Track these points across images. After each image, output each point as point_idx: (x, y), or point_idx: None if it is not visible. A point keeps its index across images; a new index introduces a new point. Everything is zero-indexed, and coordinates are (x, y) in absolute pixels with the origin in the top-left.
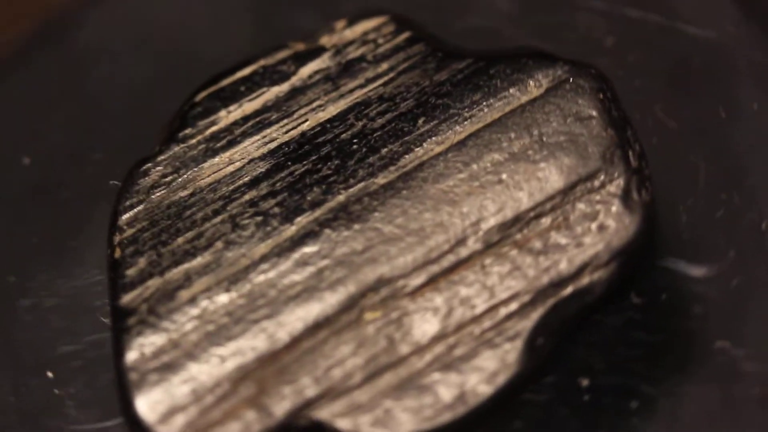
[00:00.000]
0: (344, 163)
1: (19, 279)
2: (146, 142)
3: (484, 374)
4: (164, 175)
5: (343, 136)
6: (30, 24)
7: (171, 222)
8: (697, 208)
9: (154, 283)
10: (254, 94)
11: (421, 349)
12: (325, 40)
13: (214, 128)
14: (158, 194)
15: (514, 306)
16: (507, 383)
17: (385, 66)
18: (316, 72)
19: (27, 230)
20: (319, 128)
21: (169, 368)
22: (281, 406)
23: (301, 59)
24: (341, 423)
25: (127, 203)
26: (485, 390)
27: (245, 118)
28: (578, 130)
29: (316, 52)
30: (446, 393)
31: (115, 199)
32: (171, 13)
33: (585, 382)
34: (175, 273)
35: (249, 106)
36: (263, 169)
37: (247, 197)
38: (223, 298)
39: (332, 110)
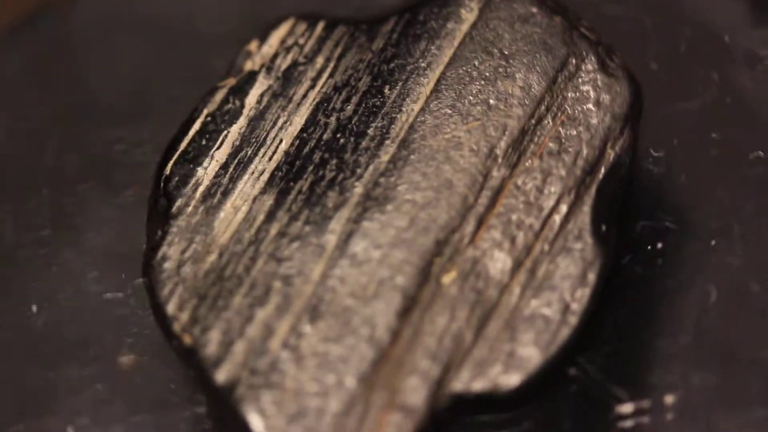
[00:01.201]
0: (342, 159)
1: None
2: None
3: (574, 279)
4: (183, 251)
5: (325, 136)
6: (23, 7)
7: (218, 287)
8: None
9: (239, 347)
10: (218, 142)
11: (507, 285)
12: (250, 65)
13: (201, 188)
14: (188, 270)
15: (564, 208)
16: (598, 278)
17: (320, 60)
18: (262, 95)
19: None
20: (297, 141)
21: (301, 415)
22: (418, 397)
23: (241, 91)
24: (477, 385)
25: (165, 292)
26: (583, 293)
27: (224, 166)
28: (529, 30)
29: (249, 79)
30: (551, 312)
31: (149, 296)
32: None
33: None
34: (254, 329)
35: (220, 153)
36: (271, 201)
37: (273, 232)
38: (309, 329)
39: (299, 120)
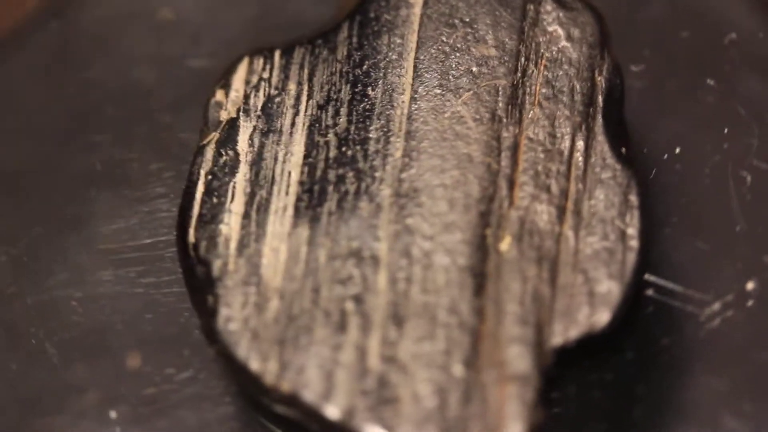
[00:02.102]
0: (358, 169)
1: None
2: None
3: (619, 206)
4: (242, 308)
5: (331, 154)
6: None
7: (293, 328)
8: None
9: (341, 376)
10: (229, 195)
11: (560, 233)
12: (225, 114)
13: (233, 244)
14: (255, 323)
15: (580, 144)
16: (639, 196)
17: (293, 86)
18: (251, 137)
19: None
20: (306, 168)
21: (427, 419)
22: (525, 363)
23: (229, 140)
24: (572, 333)
25: (242, 352)
26: (632, 215)
27: (246, 215)
28: None
29: (231, 126)
30: (611, 243)
31: (226, 363)
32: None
33: None
34: (346, 354)
35: (236, 205)
36: (306, 231)
37: (323, 258)
38: (399, 336)
39: (299, 148)
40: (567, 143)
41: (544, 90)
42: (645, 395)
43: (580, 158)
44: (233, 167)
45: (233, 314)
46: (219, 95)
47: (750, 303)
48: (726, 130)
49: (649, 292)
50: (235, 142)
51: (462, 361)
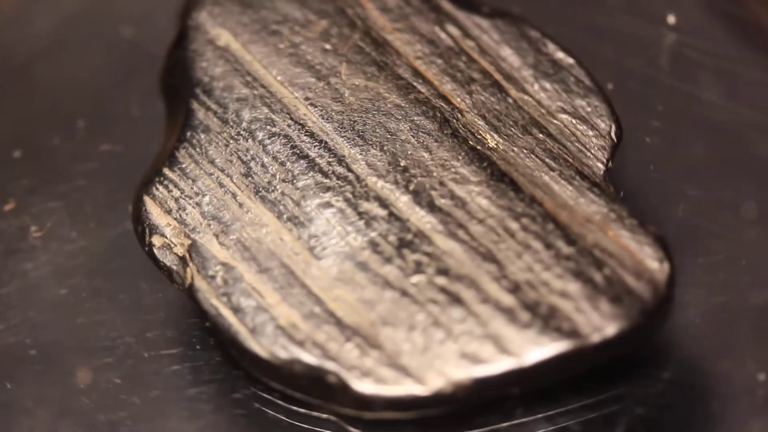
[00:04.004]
0: (333, 188)
1: None
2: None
3: (524, 52)
4: None
5: (294, 196)
6: None
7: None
8: None
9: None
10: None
11: (513, 99)
12: (180, 249)
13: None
14: None
15: (450, 28)
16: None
17: (207, 181)
18: (220, 245)
19: None
20: (292, 225)
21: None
22: (602, 206)
23: (207, 265)
24: (599, 153)
25: None
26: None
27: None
28: None
29: (198, 253)
30: (548, 66)
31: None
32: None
33: None
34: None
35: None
36: (365, 254)
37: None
38: (510, 267)
39: (268, 217)
40: (443, 35)
41: (384, 17)
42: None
43: (461, 38)
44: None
45: None
46: (157, 241)
47: None
48: None
49: None
50: (215, 259)
51: (565, 241)
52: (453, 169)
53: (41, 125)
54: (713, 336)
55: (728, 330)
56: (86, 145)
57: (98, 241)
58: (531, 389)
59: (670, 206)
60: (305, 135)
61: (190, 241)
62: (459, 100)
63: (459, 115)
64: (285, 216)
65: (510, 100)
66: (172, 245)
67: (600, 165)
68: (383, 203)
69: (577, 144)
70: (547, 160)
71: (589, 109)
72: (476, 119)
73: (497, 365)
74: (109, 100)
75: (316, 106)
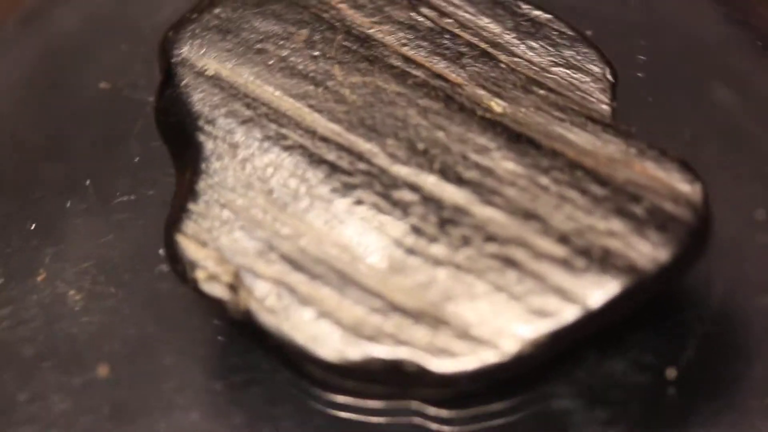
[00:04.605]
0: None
1: None
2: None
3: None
4: None
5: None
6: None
7: None
8: None
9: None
10: None
11: (507, 64)
12: (227, 277)
13: None
14: None
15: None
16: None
17: (227, 212)
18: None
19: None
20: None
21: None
22: (619, 145)
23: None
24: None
25: None
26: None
27: None
28: None
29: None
30: (556, 39)
31: None
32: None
33: None
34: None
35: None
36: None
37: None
38: (553, 221)
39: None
40: (420, 18)
41: (359, 14)
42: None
43: (438, 17)
44: None
45: None
46: (201, 274)
47: None
48: None
49: None
50: (264, 278)
51: (597, 184)
52: (470, 141)
53: (49, 192)
54: None
55: None
56: (99, 203)
57: (138, 291)
58: (598, 332)
59: (677, 132)
60: (319, 141)
61: (233, 267)
62: (455, 75)
63: (460, 90)
64: (320, 222)
65: (503, 66)
66: (217, 275)
67: (605, 107)
68: (413, 188)
69: (577, 92)
70: (555, 112)
71: (579, 57)
72: (476, 90)
73: (566, 315)
74: (108, 152)
75: (321, 112)
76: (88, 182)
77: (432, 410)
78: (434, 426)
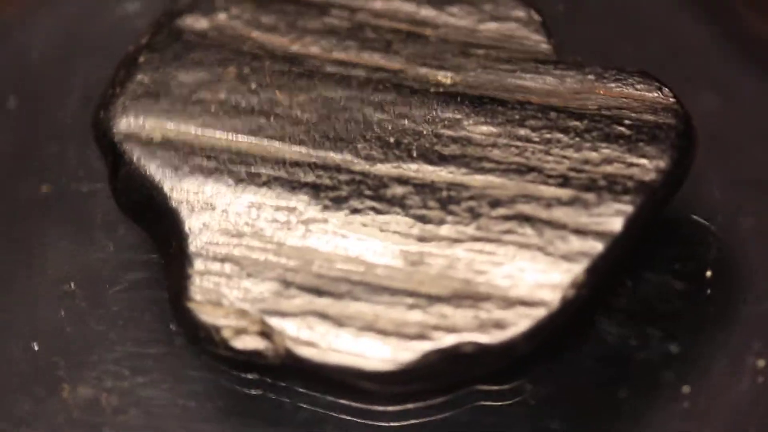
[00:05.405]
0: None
1: None
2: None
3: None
4: None
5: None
6: None
7: None
8: None
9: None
10: None
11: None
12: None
13: None
14: None
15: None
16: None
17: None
18: None
19: None
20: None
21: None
22: None
23: None
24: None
25: None
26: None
27: None
28: None
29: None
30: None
31: None
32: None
33: None
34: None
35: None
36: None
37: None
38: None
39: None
40: (335, 21)
41: (275, 36)
42: None
43: (351, 15)
44: None
45: None
46: (228, 333)
47: None
48: None
49: None
50: (292, 314)
51: (574, 119)
52: (437, 119)
53: (45, 301)
54: None
55: None
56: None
57: (163, 378)
58: (626, 257)
59: (624, 52)
60: (291, 167)
61: (257, 315)
62: (392, 63)
63: (403, 75)
64: (323, 243)
65: (432, 39)
66: (244, 328)
67: (545, 46)
68: (401, 181)
69: (514, 41)
70: (502, 66)
71: (500, 8)
72: (419, 69)
73: (598, 249)
74: (81, 254)
75: (282, 139)
76: (72, 286)
77: (491, 389)
78: (498, 403)
